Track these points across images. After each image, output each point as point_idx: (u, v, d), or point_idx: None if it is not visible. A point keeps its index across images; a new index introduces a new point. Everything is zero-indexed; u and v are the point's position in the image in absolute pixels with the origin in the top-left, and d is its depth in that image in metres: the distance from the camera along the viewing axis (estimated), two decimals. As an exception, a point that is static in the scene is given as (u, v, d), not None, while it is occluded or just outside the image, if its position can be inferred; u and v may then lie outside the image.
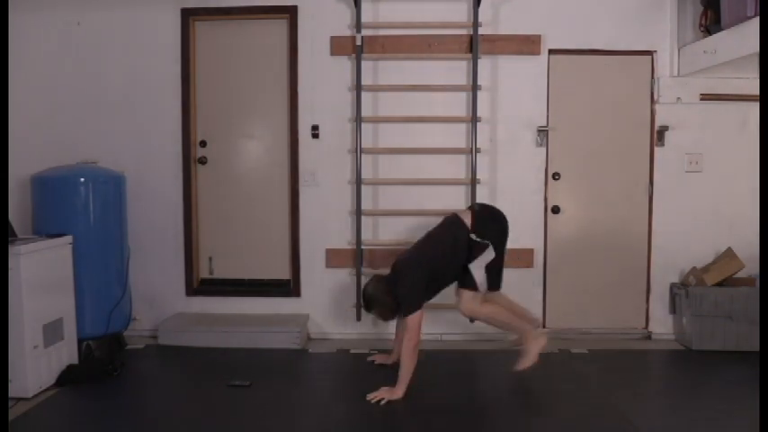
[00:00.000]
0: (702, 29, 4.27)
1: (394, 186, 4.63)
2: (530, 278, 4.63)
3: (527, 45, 4.53)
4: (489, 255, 3.67)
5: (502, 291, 3.89)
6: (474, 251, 3.66)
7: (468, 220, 3.71)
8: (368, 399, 3.45)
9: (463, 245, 3.67)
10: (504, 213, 3.85)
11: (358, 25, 4.48)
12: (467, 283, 3.69)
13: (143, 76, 4.65)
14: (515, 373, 3.70)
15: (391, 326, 4.62)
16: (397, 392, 3.48)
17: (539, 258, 4.65)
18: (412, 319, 3.55)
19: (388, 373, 3.86)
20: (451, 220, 3.79)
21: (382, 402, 3.42)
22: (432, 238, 3.79)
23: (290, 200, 4.71)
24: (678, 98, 4.57)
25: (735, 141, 4.59)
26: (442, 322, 4.57)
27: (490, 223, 3.76)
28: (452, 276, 3.75)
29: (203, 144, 4.77)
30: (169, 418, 3.34)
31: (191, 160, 4.71)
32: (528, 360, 3.73)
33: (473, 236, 3.66)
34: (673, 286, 4.62)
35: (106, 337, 4.19)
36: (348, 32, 4.56)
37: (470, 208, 3.98)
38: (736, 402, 3.50)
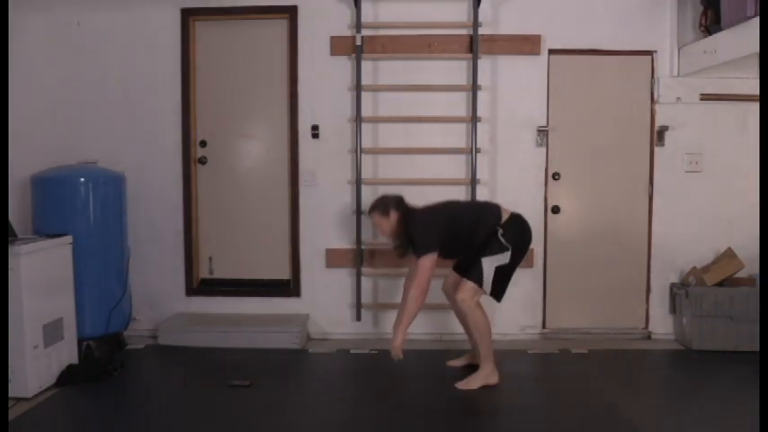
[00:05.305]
0: (702, 29, 4.26)
1: (394, 186, 4.61)
2: (530, 278, 4.62)
3: (527, 45, 4.53)
4: (503, 259, 3.59)
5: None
6: (491, 244, 3.58)
7: (504, 215, 3.66)
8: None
9: (484, 229, 3.61)
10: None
11: (358, 25, 4.48)
12: (473, 274, 3.59)
13: (143, 76, 4.65)
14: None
15: (389, 325, 4.63)
16: (397, 337, 3.51)
17: (539, 258, 4.64)
18: (424, 260, 3.48)
19: (389, 374, 3.86)
20: (490, 204, 3.85)
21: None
22: (460, 204, 3.86)
23: (290, 200, 4.71)
24: (678, 98, 4.57)
25: (735, 141, 4.59)
26: (441, 322, 4.57)
27: (519, 231, 3.68)
28: (463, 248, 3.69)
29: (203, 144, 4.77)
30: (169, 418, 3.33)
31: (191, 160, 4.71)
32: (474, 382, 3.63)
33: (499, 230, 3.60)
34: (673, 286, 4.62)
35: (106, 337, 4.19)
36: (348, 32, 4.56)
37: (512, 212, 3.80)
38: (736, 402, 3.50)
